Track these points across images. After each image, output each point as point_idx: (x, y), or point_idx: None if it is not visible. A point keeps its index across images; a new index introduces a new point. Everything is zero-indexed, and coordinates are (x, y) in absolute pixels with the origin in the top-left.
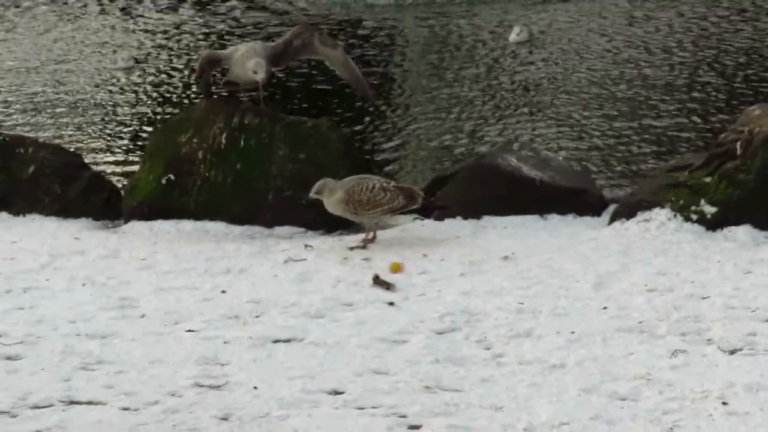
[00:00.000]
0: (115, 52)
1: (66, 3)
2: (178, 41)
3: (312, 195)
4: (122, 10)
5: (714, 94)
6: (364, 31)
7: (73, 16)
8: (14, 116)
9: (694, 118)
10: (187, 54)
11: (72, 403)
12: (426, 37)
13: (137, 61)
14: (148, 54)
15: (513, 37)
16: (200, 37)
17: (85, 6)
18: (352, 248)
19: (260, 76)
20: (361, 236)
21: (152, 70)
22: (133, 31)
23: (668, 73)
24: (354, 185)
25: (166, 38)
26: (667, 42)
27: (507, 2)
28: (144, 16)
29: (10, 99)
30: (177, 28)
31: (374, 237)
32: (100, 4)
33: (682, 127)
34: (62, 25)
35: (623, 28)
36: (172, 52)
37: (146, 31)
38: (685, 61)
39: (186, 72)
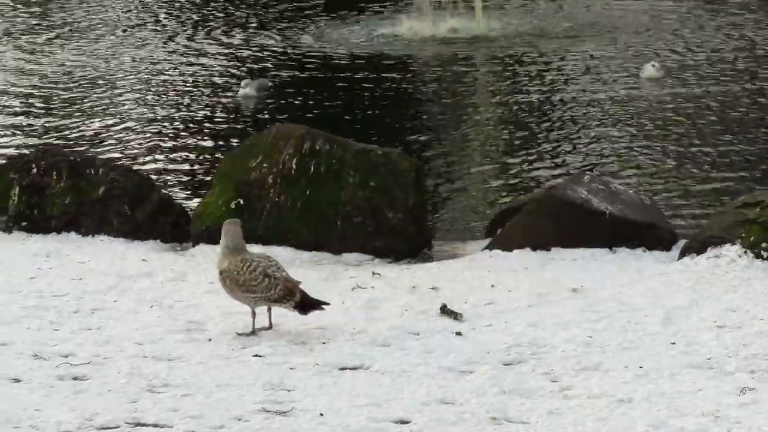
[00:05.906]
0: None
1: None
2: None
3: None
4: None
5: None
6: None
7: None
8: (87, 137)
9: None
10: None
11: (138, 425)
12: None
13: None
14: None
15: (646, 72)
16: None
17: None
18: (239, 334)
19: None
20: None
21: (230, 94)
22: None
23: (747, 108)
24: (240, 261)
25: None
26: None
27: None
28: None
29: (86, 119)
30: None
31: (270, 325)
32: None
33: (755, 164)
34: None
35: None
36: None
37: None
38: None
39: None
